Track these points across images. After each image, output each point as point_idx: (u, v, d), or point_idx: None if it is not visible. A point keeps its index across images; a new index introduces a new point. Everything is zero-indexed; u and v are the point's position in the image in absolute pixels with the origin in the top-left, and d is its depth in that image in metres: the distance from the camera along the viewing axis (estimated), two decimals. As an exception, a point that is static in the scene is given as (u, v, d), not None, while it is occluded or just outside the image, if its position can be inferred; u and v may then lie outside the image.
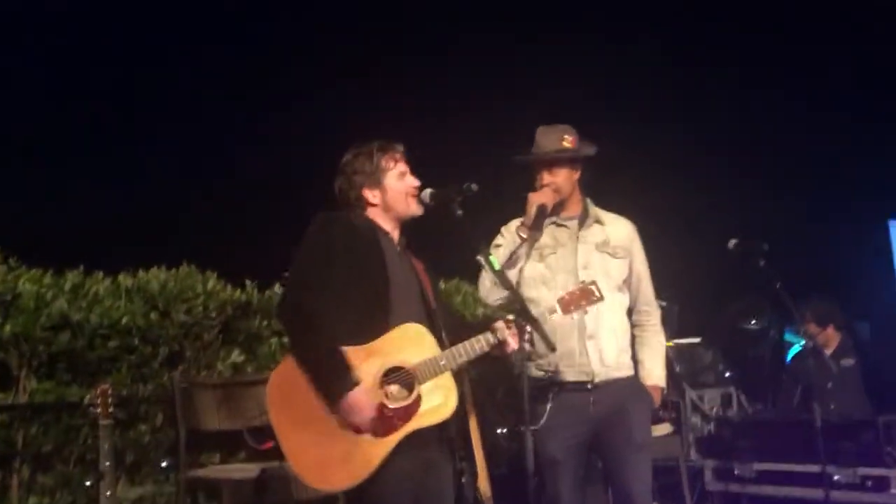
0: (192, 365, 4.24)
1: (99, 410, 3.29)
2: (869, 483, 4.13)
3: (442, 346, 2.61)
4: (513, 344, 2.62)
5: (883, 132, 7.12)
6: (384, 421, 2.51)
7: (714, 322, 6.10)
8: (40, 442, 3.78)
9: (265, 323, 4.48)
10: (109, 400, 3.31)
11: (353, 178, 2.75)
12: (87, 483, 3.78)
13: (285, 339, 4.34)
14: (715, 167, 7.15)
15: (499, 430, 4.51)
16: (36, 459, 3.80)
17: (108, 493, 3.18)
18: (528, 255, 3.19)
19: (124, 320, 3.99)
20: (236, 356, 4.34)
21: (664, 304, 5.30)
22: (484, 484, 3.94)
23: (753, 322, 6.15)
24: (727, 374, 5.53)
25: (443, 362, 2.57)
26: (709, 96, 6.90)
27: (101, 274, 4.15)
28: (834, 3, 6.82)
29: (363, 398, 2.49)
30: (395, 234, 2.78)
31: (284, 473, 3.47)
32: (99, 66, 6.00)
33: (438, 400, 2.57)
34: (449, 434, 2.68)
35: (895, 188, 6.55)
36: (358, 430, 2.51)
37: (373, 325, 2.56)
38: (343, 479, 2.50)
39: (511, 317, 2.61)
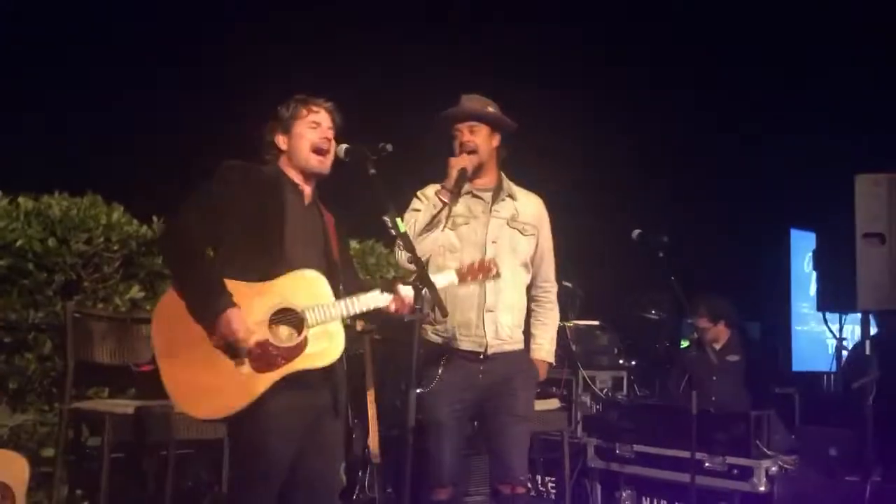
0: (88, 296, 4.14)
1: (-18, 333, 3.21)
2: (735, 471, 4.37)
3: (338, 297, 2.65)
4: (400, 306, 2.68)
5: (792, 146, 7.44)
6: (267, 357, 2.54)
7: (615, 308, 6.31)
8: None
9: (170, 261, 4.40)
10: (-6, 322, 3.24)
11: (271, 123, 2.81)
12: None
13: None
14: (629, 163, 7.36)
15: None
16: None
17: (-15, 416, 3.12)
18: (446, 220, 3.25)
19: (19, 242, 3.87)
20: (136, 292, 4.26)
21: (570, 285, 5.48)
22: (374, 443, 4.01)
23: (653, 312, 6.39)
24: (621, 361, 5.73)
25: (334, 309, 2.61)
26: (626, 93, 7.06)
27: (-1, 193, 4.02)
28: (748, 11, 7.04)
29: (238, 316, 2.50)
30: (306, 187, 2.80)
31: (167, 412, 3.46)
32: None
33: (324, 345, 2.61)
34: (334, 382, 2.72)
35: (798, 199, 6.86)
36: (238, 361, 2.53)
37: (264, 269, 2.59)
38: (216, 407, 2.53)
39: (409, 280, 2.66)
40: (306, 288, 2.61)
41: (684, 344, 6.18)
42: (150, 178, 5.52)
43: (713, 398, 5.00)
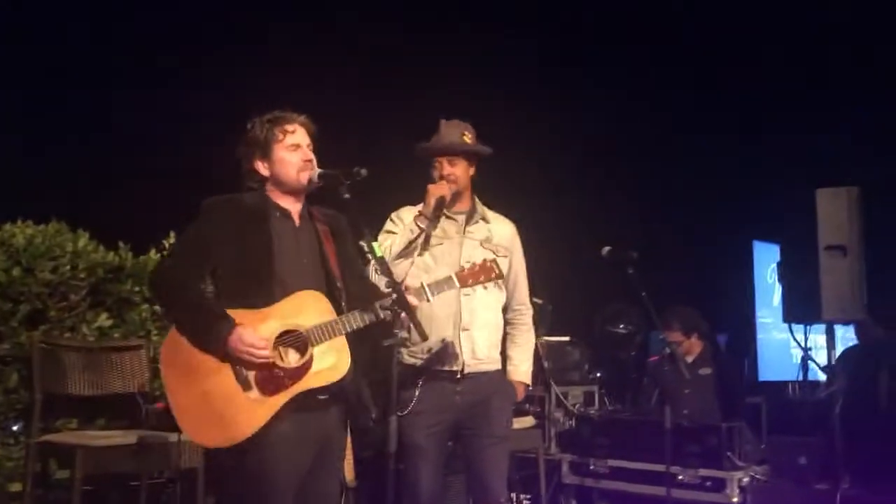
0: (55, 326, 4.07)
1: (-54, 366, 3.14)
2: (708, 483, 4.43)
3: (340, 313, 2.65)
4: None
5: (755, 160, 7.59)
6: (274, 380, 2.54)
7: (585, 323, 6.36)
8: None
9: (137, 288, 4.34)
10: (-41, 356, 3.16)
11: (247, 149, 2.76)
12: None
13: (157, 307, 4.24)
14: (595, 177, 7.44)
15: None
16: None
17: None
18: (422, 246, 3.25)
19: (-17, 273, 3.80)
20: (104, 320, 4.19)
21: (539, 302, 5.50)
22: (348, 468, 3.97)
23: (622, 326, 6.45)
24: (592, 375, 5.77)
25: (337, 326, 2.60)
26: (595, 106, 7.14)
27: (-39, 223, 3.93)
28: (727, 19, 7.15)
29: (248, 331, 2.51)
30: (294, 207, 2.78)
31: (143, 442, 3.41)
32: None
33: (330, 361, 2.60)
34: (344, 397, 2.70)
35: (760, 212, 6.99)
36: (246, 387, 2.52)
37: (261, 297, 2.59)
38: (228, 435, 2.51)
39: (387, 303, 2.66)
40: (307, 308, 2.61)
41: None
42: (115, 204, 5.44)
43: (685, 411, 5.05)
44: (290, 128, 2.75)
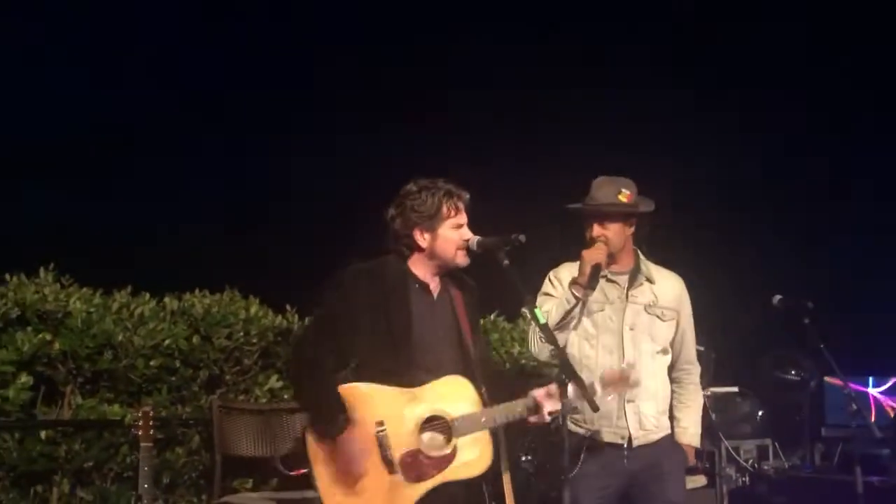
0: (230, 389, 4.29)
1: (140, 432, 3.37)
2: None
3: (482, 398, 2.63)
4: (547, 411, 2.66)
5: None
6: (418, 466, 2.56)
7: (752, 371, 6.00)
8: (82, 458, 3.85)
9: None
10: (151, 423, 3.39)
11: (409, 214, 2.71)
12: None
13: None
14: (758, 214, 7.04)
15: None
16: (76, 475, 3.87)
17: (147, 513, 3.25)
18: (580, 315, 3.18)
19: (167, 342, 4.06)
20: (274, 382, 4.38)
21: (701, 349, 5.25)
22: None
23: (793, 373, 6.04)
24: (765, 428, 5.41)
25: (483, 419, 2.60)
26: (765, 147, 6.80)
27: (147, 295, 4.24)
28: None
29: (351, 441, 2.54)
30: (433, 280, 2.78)
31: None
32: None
33: (474, 455, 2.61)
34: (478, 490, 2.70)
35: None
36: (392, 470, 2.53)
37: (401, 374, 2.61)
38: None
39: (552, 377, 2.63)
40: (454, 395, 2.62)
41: None
42: (282, 266, 5.70)
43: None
44: (461, 205, 2.73)
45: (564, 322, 3.10)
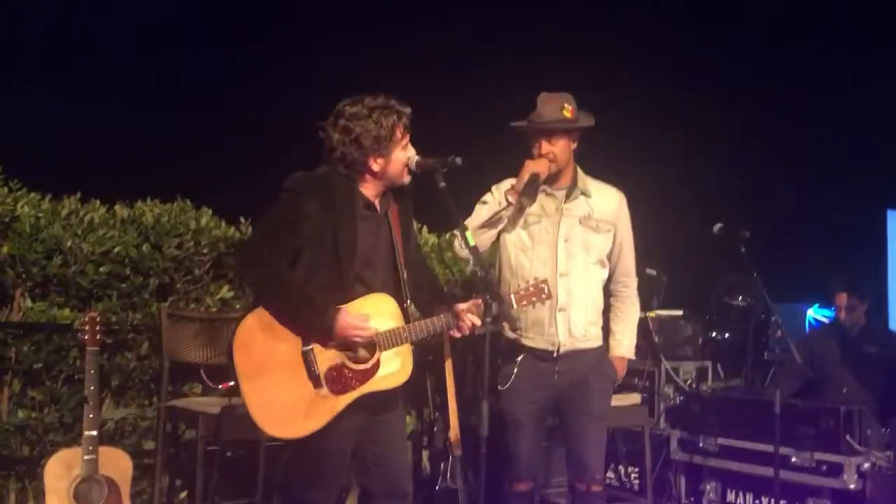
0: (181, 297, 4.36)
1: (86, 336, 3.43)
2: (824, 468, 4.26)
3: (406, 315, 2.73)
4: (464, 330, 2.74)
5: (884, 123, 7.05)
6: (343, 380, 2.65)
7: (698, 297, 6.17)
8: (31, 359, 3.93)
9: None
10: (98, 328, 3.45)
11: (362, 140, 2.66)
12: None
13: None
14: (725, 142, 7.11)
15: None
16: (26, 375, 3.96)
17: (91, 415, 3.35)
18: (511, 221, 3.26)
19: (117, 249, 4.10)
20: (226, 292, 4.45)
21: (653, 272, 5.38)
22: (454, 436, 4.10)
23: (740, 298, 6.21)
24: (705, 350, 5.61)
25: (404, 334, 2.69)
26: (717, 74, 6.82)
27: (97, 202, 4.25)
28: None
29: (353, 315, 2.61)
30: (378, 199, 2.79)
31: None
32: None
33: (395, 367, 2.72)
34: (395, 396, 2.81)
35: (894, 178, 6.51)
36: (317, 383, 2.62)
37: (338, 289, 2.67)
38: (296, 428, 2.63)
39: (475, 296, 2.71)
40: (379, 311, 2.69)
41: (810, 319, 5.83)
42: (234, 178, 5.70)
43: (843, 390, 4.75)
44: (406, 122, 2.70)
45: (491, 221, 3.17)
